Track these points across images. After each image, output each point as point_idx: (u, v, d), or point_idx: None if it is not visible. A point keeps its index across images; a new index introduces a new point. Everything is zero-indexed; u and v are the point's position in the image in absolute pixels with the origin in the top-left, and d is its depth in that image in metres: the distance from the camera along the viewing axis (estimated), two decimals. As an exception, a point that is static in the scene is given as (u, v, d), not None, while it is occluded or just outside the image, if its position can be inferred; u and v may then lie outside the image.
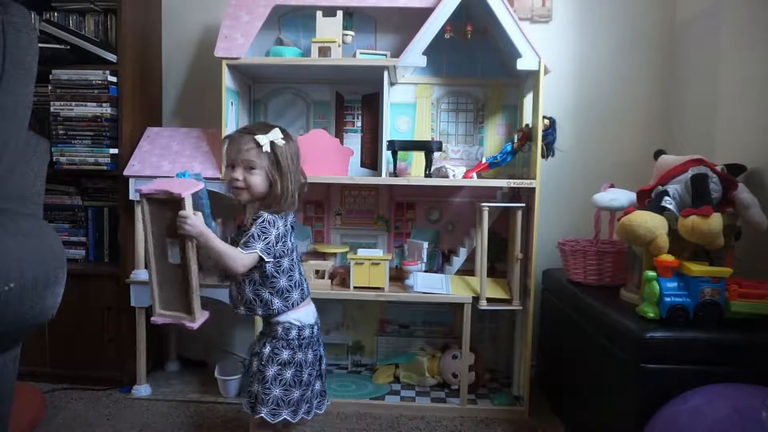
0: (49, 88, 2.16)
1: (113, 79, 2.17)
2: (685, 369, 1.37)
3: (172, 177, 1.41)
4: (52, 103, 2.16)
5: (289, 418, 1.42)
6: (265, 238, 1.38)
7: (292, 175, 1.44)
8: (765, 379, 1.25)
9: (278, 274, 1.43)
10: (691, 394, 1.28)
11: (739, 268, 1.55)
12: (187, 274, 1.34)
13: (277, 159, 1.42)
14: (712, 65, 2.07)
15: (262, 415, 1.40)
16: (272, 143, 1.41)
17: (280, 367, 1.42)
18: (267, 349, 1.44)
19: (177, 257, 1.34)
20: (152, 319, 1.40)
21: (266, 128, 1.44)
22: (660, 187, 1.64)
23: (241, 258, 1.36)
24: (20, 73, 1.08)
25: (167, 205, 1.32)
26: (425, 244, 2.18)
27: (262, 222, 1.39)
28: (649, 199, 1.66)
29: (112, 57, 2.17)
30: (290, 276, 1.46)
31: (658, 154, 1.92)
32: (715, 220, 1.44)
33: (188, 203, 1.31)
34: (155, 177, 2.09)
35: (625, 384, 1.45)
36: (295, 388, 1.43)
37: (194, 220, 1.31)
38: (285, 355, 1.43)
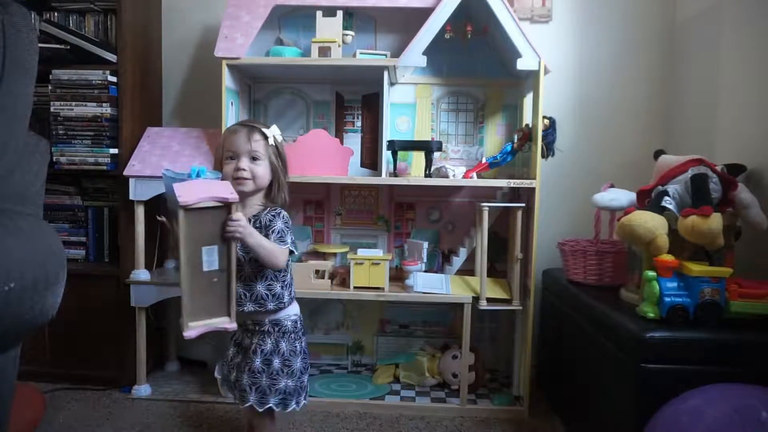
0: (49, 88, 2.16)
1: (113, 79, 2.17)
2: (685, 369, 1.37)
3: (187, 179, 1.38)
4: (52, 103, 2.16)
5: (306, 402, 1.51)
6: (289, 232, 1.44)
7: (287, 169, 1.53)
8: (765, 379, 1.25)
9: (287, 268, 1.48)
10: (691, 393, 1.27)
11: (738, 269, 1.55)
12: (229, 276, 1.32)
13: (279, 152, 1.49)
14: (712, 65, 2.07)
15: (294, 406, 1.46)
16: (275, 137, 1.48)
17: (297, 358, 1.48)
18: (284, 345, 1.47)
19: (214, 263, 1.30)
20: (185, 334, 1.31)
21: (263, 124, 1.51)
22: (660, 187, 1.64)
23: (282, 253, 1.40)
24: (20, 73, 1.08)
25: (209, 211, 1.28)
26: (425, 244, 2.18)
27: (284, 217, 1.45)
28: (649, 199, 1.66)
29: (112, 57, 2.17)
30: (290, 270, 1.52)
31: (658, 154, 1.92)
32: (715, 220, 1.44)
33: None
34: (155, 177, 2.10)
35: (625, 384, 1.45)
36: (304, 374, 1.50)
37: (246, 222, 1.32)
38: (298, 346, 1.49)
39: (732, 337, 1.39)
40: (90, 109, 2.17)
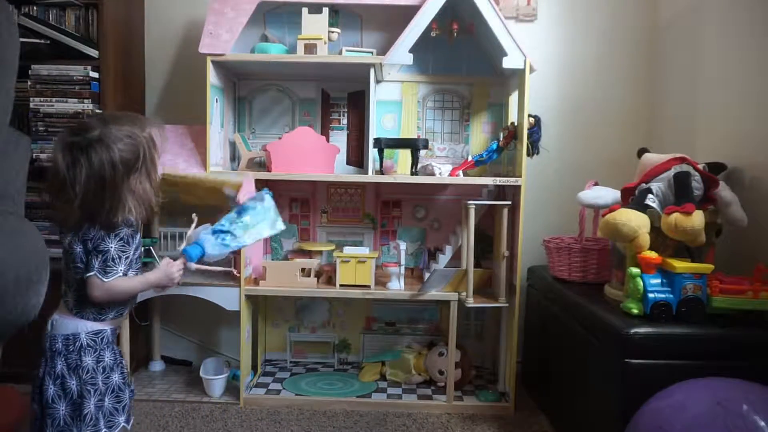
0: (29, 83, 2.12)
1: (95, 74, 2.13)
2: (668, 364, 1.39)
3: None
4: (31, 99, 2.12)
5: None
6: None
7: None
8: (746, 373, 1.28)
9: None
10: (675, 388, 1.30)
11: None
12: None
13: None
14: (694, 65, 2.11)
15: None
16: None
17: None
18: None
19: None
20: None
21: None
22: (644, 185, 1.66)
23: None
24: (1, 68, 1.05)
25: None
26: (403, 245, 2.15)
27: None
28: (632, 197, 1.68)
29: (93, 52, 2.14)
30: None
31: (642, 152, 1.94)
32: (698, 218, 1.46)
33: None
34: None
35: (609, 379, 1.47)
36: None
37: None
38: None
39: (714, 332, 1.42)
40: (71, 105, 2.13)
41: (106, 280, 1.23)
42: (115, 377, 1.31)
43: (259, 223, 1.41)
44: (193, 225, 1.42)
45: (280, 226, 1.46)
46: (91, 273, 1.22)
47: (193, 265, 1.36)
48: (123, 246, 1.26)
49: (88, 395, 1.25)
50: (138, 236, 1.31)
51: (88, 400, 1.25)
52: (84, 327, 1.28)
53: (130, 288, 1.29)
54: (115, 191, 1.22)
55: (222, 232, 1.36)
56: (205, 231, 1.37)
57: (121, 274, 1.25)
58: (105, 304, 1.29)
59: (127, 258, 1.27)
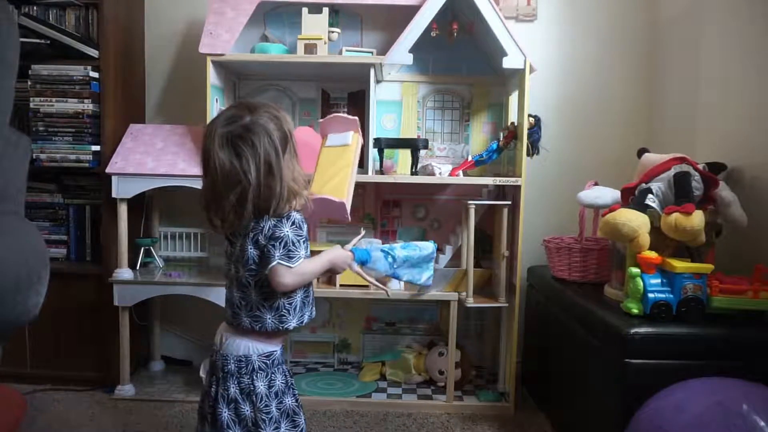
0: (29, 83, 2.12)
1: (95, 74, 2.13)
2: (668, 364, 1.39)
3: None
4: (31, 99, 2.12)
5: None
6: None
7: None
8: (745, 373, 1.28)
9: None
10: (675, 388, 1.30)
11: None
12: None
13: None
14: (694, 64, 2.11)
15: None
16: None
17: None
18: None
19: None
20: None
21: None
22: (644, 185, 1.66)
23: None
24: (1, 68, 1.05)
25: None
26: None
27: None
28: (632, 197, 1.68)
29: (93, 52, 2.14)
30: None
31: (642, 152, 1.94)
32: (697, 218, 1.46)
33: None
34: (138, 174, 2.08)
35: (609, 379, 1.47)
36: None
37: None
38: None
39: (714, 332, 1.42)
40: (71, 105, 2.13)
41: (293, 265, 1.15)
42: (288, 401, 1.24)
43: (416, 267, 1.40)
44: (361, 235, 1.44)
45: (428, 281, 1.43)
46: (274, 262, 1.15)
47: (356, 266, 1.34)
48: (297, 230, 1.19)
49: (263, 424, 1.19)
50: (305, 225, 1.23)
51: (264, 429, 1.19)
52: (256, 349, 1.22)
53: (314, 269, 1.23)
54: (278, 172, 1.16)
55: (387, 254, 1.36)
56: (376, 244, 1.41)
57: (303, 258, 1.18)
58: (286, 311, 1.22)
59: (304, 241, 1.20)
